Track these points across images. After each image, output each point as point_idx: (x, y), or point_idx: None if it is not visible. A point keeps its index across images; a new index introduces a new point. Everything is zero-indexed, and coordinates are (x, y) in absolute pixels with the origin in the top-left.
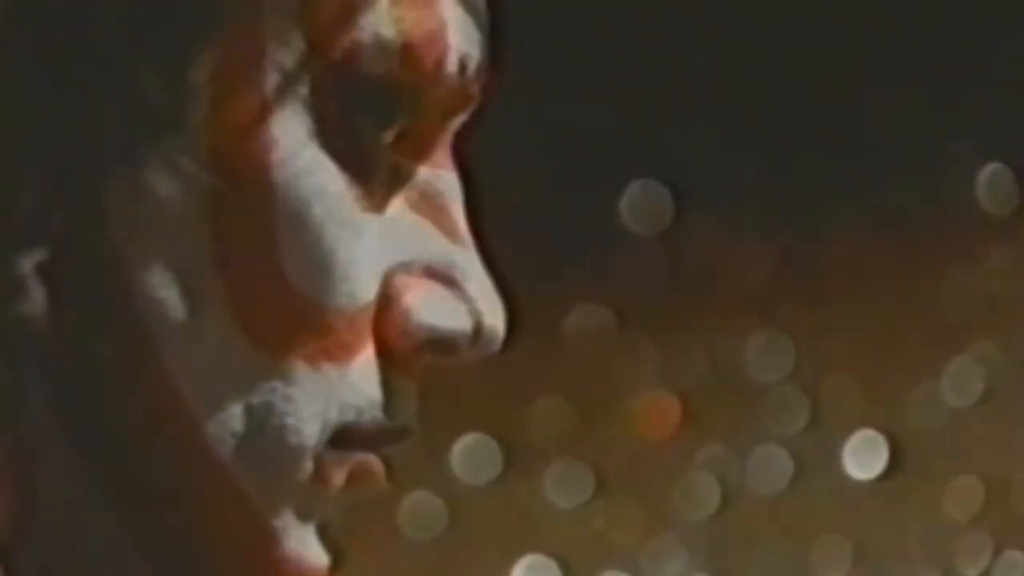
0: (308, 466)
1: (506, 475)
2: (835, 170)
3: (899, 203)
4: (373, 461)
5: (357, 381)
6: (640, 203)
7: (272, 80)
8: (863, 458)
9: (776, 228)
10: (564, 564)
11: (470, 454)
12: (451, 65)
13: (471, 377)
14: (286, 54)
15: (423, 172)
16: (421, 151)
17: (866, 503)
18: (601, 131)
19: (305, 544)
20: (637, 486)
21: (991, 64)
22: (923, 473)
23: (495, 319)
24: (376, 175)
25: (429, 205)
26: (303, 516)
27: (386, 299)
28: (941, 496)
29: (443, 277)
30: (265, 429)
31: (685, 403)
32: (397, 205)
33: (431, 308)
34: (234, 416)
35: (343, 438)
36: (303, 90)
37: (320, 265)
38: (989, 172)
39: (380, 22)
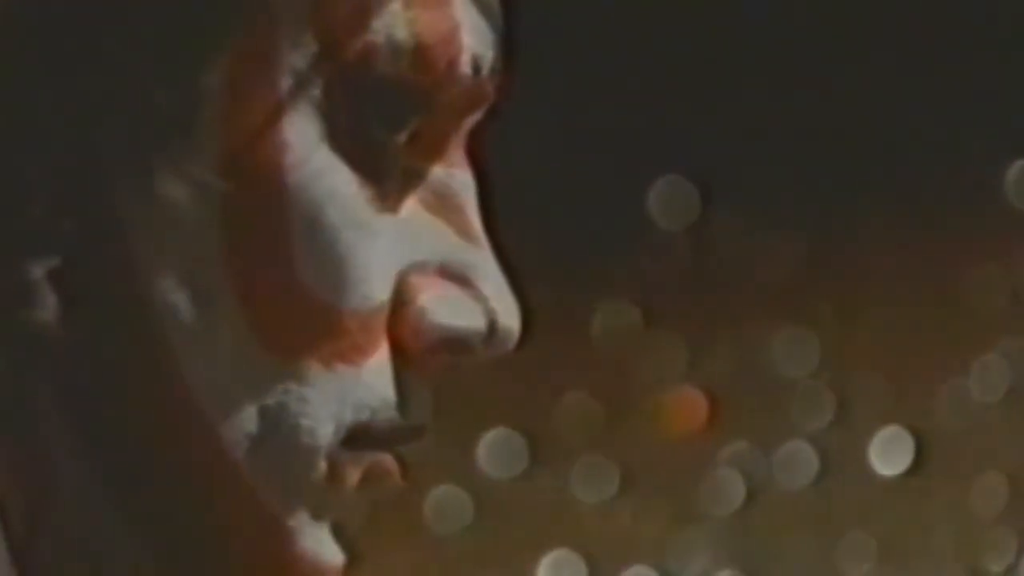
0: (322, 466)
1: (532, 470)
2: (862, 166)
3: (926, 199)
4: (388, 460)
5: (371, 381)
6: (667, 199)
7: (284, 83)
8: (889, 454)
9: (803, 224)
10: (590, 559)
11: (496, 448)
12: (464, 66)
13: (497, 372)
14: (298, 56)
15: (437, 172)
16: (435, 151)
17: (892, 499)
18: (628, 126)
19: (320, 543)
20: (663, 482)
21: (1020, 60)
22: (949, 470)
23: (509, 319)
24: (389, 176)
25: (443, 205)
26: (318, 516)
27: (400, 299)
28: (967, 493)
29: (457, 277)
30: (279, 430)
31: (711, 399)
32: (411, 205)
33: (445, 308)
34: (248, 417)
35: (357, 438)
36: (315, 92)
37: (334, 267)
38: (1017, 169)
39: (393, 24)
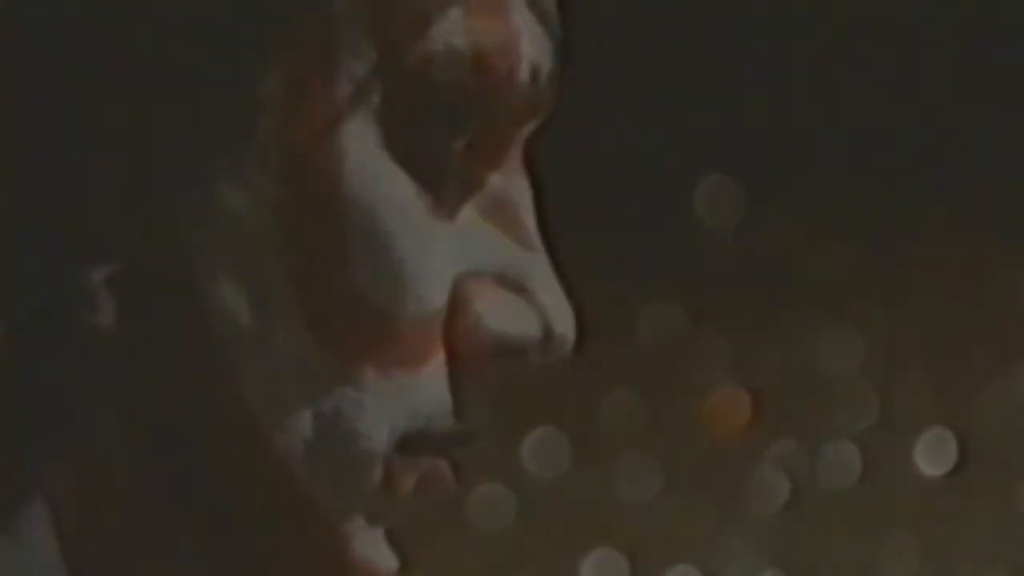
0: (378, 471)
1: (576, 469)
2: (911, 167)
3: (973, 201)
4: (442, 465)
5: (427, 387)
6: (713, 199)
7: (343, 90)
8: (933, 455)
9: (848, 224)
10: (633, 558)
11: (541, 447)
12: (522, 75)
13: (542, 371)
14: (358, 64)
15: (494, 179)
16: (492, 159)
17: (936, 499)
18: (675, 127)
19: (375, 548)
20: (707, 481)
21: None
22: (993, 470)
23: (565, 326)
24: (446, 183)
25: (500, 212)
26: (373, 521)
27: (456, 306)
28: (1011, 493)
29: (513, 284)
30: (335, 435)
31: (756, 398)
32: (468, 212)
33: (501, 315)
34: (304, 423)
35: (412, 443)
36: (374, 99)
37: (390, 273)
38: None
39: (452, 32)
